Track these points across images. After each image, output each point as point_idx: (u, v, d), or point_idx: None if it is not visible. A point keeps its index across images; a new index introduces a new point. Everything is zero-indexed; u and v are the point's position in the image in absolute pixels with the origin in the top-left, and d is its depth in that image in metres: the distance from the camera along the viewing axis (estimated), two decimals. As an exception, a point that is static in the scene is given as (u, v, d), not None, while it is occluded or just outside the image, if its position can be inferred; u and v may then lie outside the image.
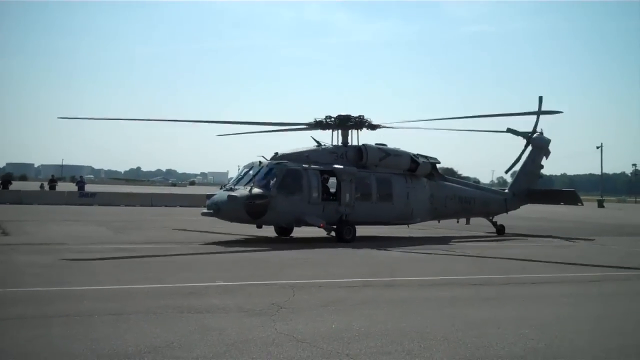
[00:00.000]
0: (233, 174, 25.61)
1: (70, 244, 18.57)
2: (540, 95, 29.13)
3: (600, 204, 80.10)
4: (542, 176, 31.43)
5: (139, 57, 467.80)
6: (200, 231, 24.00)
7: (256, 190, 20.92)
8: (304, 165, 22.10)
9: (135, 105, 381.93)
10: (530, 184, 30.47)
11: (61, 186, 61.08)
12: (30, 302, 9.95)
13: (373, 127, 24.80)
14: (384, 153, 24.15)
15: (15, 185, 54.59)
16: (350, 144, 24.28)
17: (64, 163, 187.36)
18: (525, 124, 30.02)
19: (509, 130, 29.24)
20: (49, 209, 36.69)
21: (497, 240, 25.13)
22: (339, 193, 22.58)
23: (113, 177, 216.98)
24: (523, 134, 29.85)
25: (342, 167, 22.84)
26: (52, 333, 8.09)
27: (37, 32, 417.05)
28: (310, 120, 24.67)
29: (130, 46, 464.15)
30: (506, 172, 31.11)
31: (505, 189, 30.79)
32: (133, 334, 8.06)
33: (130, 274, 13.16)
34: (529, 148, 30.11)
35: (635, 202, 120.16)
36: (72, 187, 57.55)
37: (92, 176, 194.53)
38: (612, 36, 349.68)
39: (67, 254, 15.96)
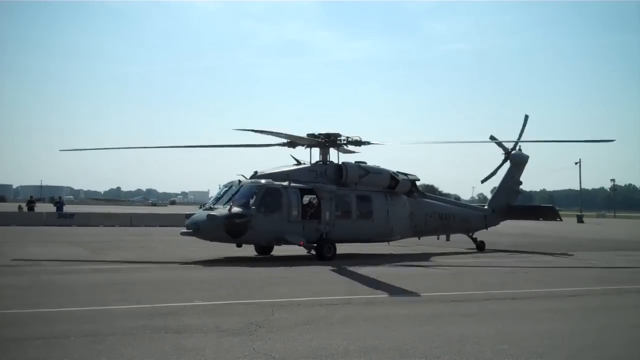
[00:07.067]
0: (214, 193, 25.48)
1: (47, 265, 18.37)
2: (526, 114, 29.77)
3: (580, 219, 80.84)
4: (521, 192, 31.73)
5: (118, 78, 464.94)
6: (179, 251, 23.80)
7: (236, 209, 20.83)
8: (283, 184, 22.07)
9: (116, 127, 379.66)
10: (510, 200, 30.68)
11: (40, 207, 60.46)
12: (5, 324, 9.77)
13: (353, 144, 24.85)
14: (363, 171, 24.17)
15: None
16: (329, 161, 24.31)
17: (43, 184, 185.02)
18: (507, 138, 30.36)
19: (492, 139, 29.48)
20: (27, 230, 36.25)
21: (477, 257, 25.19)
22: (319, 211, 22.55)
23: (92, 197, 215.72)
24: (504, 147, 30.15)
25: (322, 185, 22.83)
26: (27, 356, 7.95)
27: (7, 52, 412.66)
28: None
29: (109, 67, 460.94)
30: (482, 182, 31.24)
31: (485, 206, 30.96)
32: (108, 356, 7.95)
33: (107, 295, 12.99)
34: (508, 164, 30.47)
35: (615, 216, 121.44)
36: (51, 208, 56.94)
37: (71, 197, 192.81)
38: (590, 53, 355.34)
39: (44, 275, 15.77)
